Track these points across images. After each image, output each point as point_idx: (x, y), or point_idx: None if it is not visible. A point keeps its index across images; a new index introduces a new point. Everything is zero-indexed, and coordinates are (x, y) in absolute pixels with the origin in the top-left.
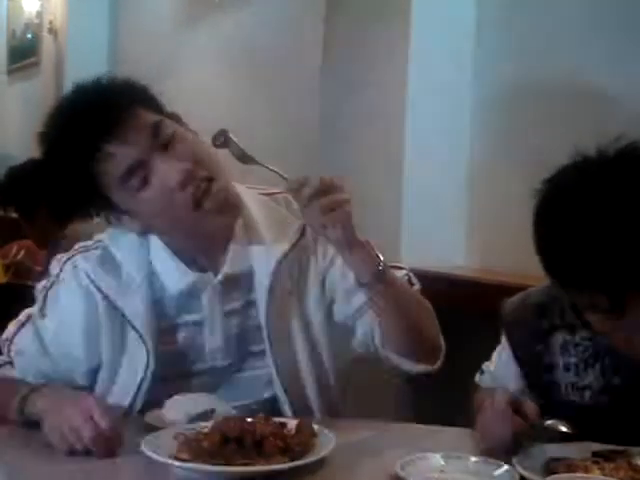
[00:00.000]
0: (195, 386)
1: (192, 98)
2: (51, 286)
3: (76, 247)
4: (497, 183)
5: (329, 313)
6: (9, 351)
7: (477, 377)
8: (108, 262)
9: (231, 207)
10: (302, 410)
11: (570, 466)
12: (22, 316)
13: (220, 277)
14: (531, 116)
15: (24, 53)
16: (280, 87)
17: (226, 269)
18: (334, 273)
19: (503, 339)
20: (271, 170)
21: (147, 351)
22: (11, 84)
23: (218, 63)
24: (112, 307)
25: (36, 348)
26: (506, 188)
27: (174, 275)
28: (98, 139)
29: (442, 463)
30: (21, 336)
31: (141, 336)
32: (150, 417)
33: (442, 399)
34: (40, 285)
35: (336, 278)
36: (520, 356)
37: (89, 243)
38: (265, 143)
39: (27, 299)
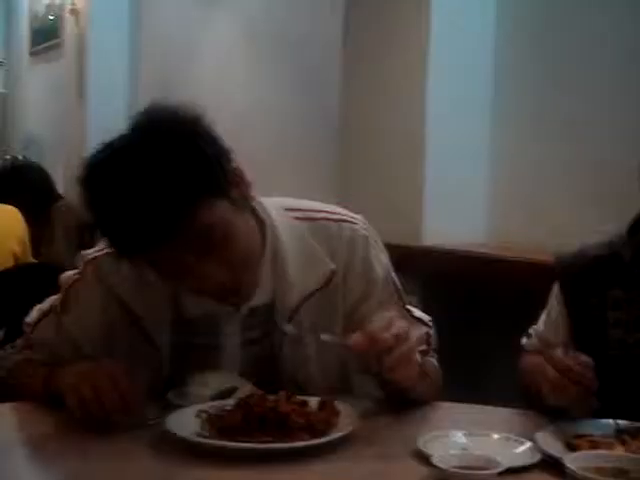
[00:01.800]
0: None
1: (214, 78)
2: (73, 283)
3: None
4: (517, 161)
5: None
6: (29, 336)
7: (523, 340)
8: (134, 275)
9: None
10: None
11: (593, 443)
12: (46, 304)
13: (244, 311)
14: (557, 83)
15: (46, 35)
16: (301, 67)
17: (251, 303)
18: (365, 310)
19: (552, 297)
20: (332, 342)
21: (161, 364)
22: (34, 66)
23: (239, 43)
24: (131, 317)
25: (55, 339)
26: (526, 167)
27: (194, 301)
28: (145, 247)
29: (464, 440)
30: (42, 327)
31: (158, 350)
32: (173, 395)
33: (463, 375)
34: (65, 276)
35: (367, 314)
36: (572, 308)
37: None
38: (286, 122)
39: (52, 276)
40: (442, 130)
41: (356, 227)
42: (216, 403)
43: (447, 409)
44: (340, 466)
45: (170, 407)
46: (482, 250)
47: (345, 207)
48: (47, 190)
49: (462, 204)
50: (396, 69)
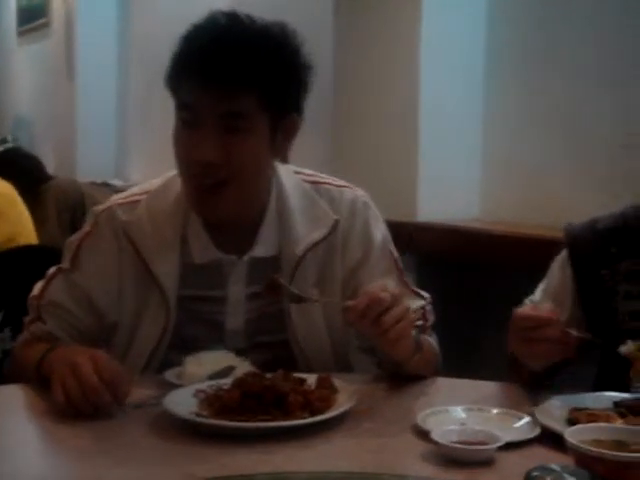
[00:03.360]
0: None
1: None
2: (85, 237)
3: (115, 197)
4: (512, 136)
5: None
6: (38, 307)
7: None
8: (146, 217)
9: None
10: None
11: (592, 416)
12: (49, 272)
13: (246, 259)
14: (548, 61)
15: (34, 14)
16: None
17: (253, 253)
18: (363, 276)
19: (555, 268)
20: (327, 302)
21: (167, 315)
22: (21, 45)
23: None
24: (142, 264)
25: (66, 298)
26: (521, 141)
27: (201, 247)
28: (192, 76)
29: (463, 415)
30: (51, 289)
31: (165, 298)
32: (170, 375)
33: (459, 351)
34: (71, 239)
35: (364, 281)
36: (581, 280)
37: (130, 193)
38: None
39: (50, 259)
40: (435, 109)
41: (357, 193)
42: (214, 382)
43: (445, 385)
44: (339, 443)
45: (168, 387)
46: (476, 225)
47: None
48: (36, 172)
49: (456, 181)
50: (389, 51)
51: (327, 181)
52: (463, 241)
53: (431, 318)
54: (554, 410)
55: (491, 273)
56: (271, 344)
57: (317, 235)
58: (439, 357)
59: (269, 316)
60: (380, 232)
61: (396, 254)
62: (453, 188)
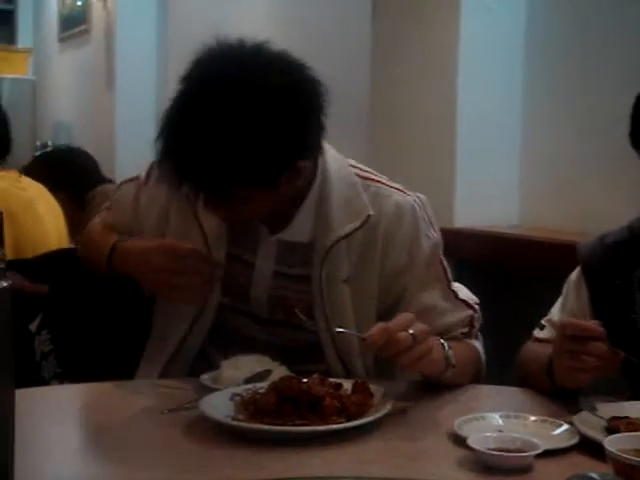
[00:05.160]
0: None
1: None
2: (141, 184)
3: None
4: (551, 141)
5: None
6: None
7: (535, 332)
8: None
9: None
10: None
11: (632, 425)
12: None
13: (274, 239)
14: (588, 66)
15: (75, 21)
16: (330, 51)
17: (283, 235)
18: (406, 282)
19: (569, 287)
20: (348, 332)
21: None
22: (63, 52)
23: (267, 27)
24: (192, 215)
25: (129, 204)
26: (559, 146)
27: None
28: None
29: (500, 422)
30: (124, 189)
31: (205, 236)
32: (206, 378)
33: (498, 359)
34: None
35: (407, 288)
36: (596, 293)
37: None
38: None
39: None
40: (474, 112)
41: (408, 198)
42: (250, 386)
43: (483, 391)
44: (374, 448)
45: (204, 391)
46: (514, 232)
47: None
48: (92, 174)
49: (494, 187)
50: (427, 52)
51: (381, 180)
52: (501, 247)
53: (478, 324)
54: (593, 418)
55: (529, 280)
56: (291, 325)
57: (349, 227)
58: (481, 363)
59: (295, 300)
60: (430, 240)
61: (445, 263)
62: (491, 194)
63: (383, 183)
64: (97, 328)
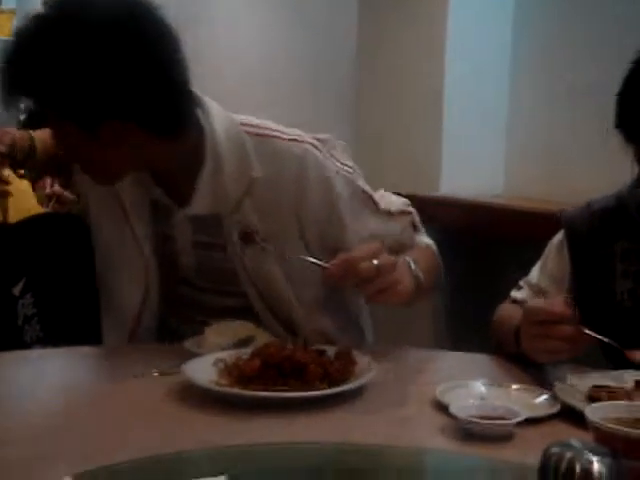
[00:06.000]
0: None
1: (227, 29)
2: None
3: None
4: (537, 112)
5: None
6: None
7: (512, 292)
8: None
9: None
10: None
11: (613, 393)
12: None
13: (186, 214)
14: (573, 41)
15: None
16: (317, 18)
17: (189, 210)
18: (338, 227)
19: (551, 250)
20: (309, 261)
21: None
22: None
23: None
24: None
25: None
26: (545, 116)
27: (148, 188)
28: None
29: (482, 390)
30: None
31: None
32: (190, 343)
33: (478, 327)
34: None
35: (341, 230)
36: (578, 261)
37: None
38: (302, 74)
39: (71, 226)
40: (461, 81)
41: (306, 145)
42: (233, 352)
43: (465, 359)
44: (357, 415)
45: (188, 356)
46: (498, 201)
47: (362, 158)
48: None
49: (480, 156)
50: (415, 26)
51: (276, 134)
52: (485, 216)
53: (418, 220)
54: (574, 387)
55: (513, 249)
56: (230, 293)
57: (240, 191)
58: (438, 258)
59: (221, 269)
60: (342, 175)
61: (365, 187)
62: (477, 164)
63: (278, 137)
64: (79, 293)
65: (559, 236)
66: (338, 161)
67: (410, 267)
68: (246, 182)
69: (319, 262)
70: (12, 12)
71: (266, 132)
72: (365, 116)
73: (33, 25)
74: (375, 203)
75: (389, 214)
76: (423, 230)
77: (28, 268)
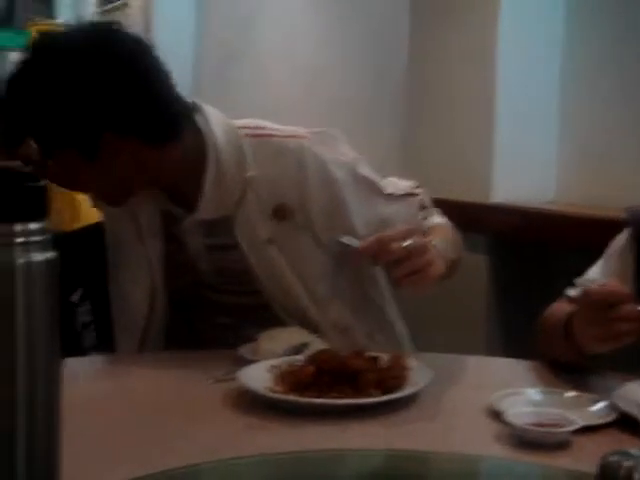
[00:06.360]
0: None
1: (281, 37)
2: None
3: None
4: (589, 118)
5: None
6: None
7: (567, 290)
8: None
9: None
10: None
11: None
12: None
13: (193, 219)
14: (627, 43)
15: None
16: (369, 27)
17: (197, 216)
18: (345, 218)
19: (614, 250)
20: (340, 241)
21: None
22: (99, 17)
23: (307, 4)
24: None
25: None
26: (598, 123)
27: (155, 198)
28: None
29: (537, 397)
30: None
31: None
32: (244, 350)
33: (531, 334)
34: None
35: (348, 221)
36: None
37: None
38: (354, 81)
39: None
40: (513, 87)
41: (302, 141)
42: (287, 359)
43: (520, 366)
44: (410, 422)
45: (242, 363)
46: (551, 207)
47: (413, 163)
48: None
49: (531, 162)
50: (466, 29)
51: (272, 133)
52: (538, 223)
53: (428, 200)
54: (632, 394)
55: (565, 256)
56: (248, 292)
57: (239, 192)
58: (457, 234)
59: (238, 269)
60: (342, 165)
61: (367, 173)
62: (528, 169)
63: (275, 135)
64: None
65: (623, 235)
66: (336, 151)
67: (438, 249)
68: (242, 182)
69: (351, 242)
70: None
71: (263, 132)
72: (416, 123)
73: (18, 71)
74: (379, 188)
75: (395, 197)
76: (435, 209)
77: (86, 276)
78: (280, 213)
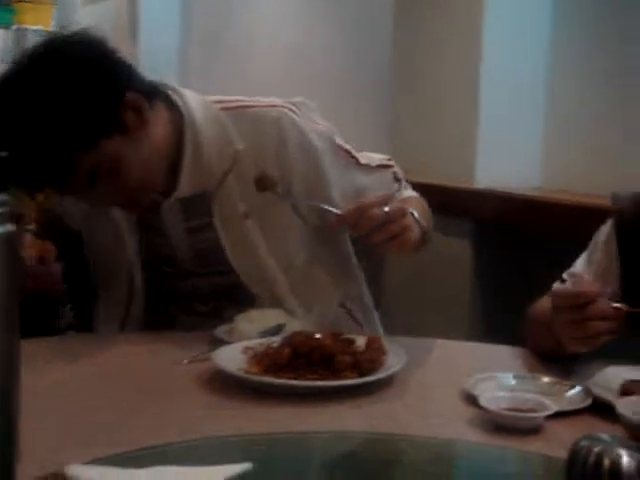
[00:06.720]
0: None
1: (267, 19)
2: None
3: None
4: (574, 103)
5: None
6: None
7: (555, 285)
8: None
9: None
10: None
11: None
12: None
13: (171, 200)
14: (613, 25)
15: None
16: (354, 11)
17: (177, 194)
18: (323, 185)
19: (598, 240)
20: (322, 208)
21: (122, 237)
22: (86, 4)
23: None
24: None
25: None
26: (585, 108)
27: None
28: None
29: (513, 382)
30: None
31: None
32: (220, 331)
33: (512, 320)
34: None
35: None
36: (628, 254)
37: None
38: (339, 61)
39: None
40: (497, 70)
41: (282, 109)
42: (263, 340)
43: (497, 351)
44: (386, 405)
45: (217, 343)
46: (537, 194)
47: (397, 148)
48: None
49: (517, 148)
50: (451, 12)
51: (251, 104)
52: (523, 210)
53: (401, 175)
54: (608, 381)
55: (549, 243)
56: (223, 272)
57: (224, 167)
58: (427, 208)
59: (213, 248)
60: (320, 134)
61: (343, 143)
62: (514, 155)
63: (254, 105)
64: None
65: (608, 225)
66: (314, 121)
67: (413, 215)
68: (230, 157)
69: (333, 209)
70: (52, 3)
71: (238, 104)
72: (400, 107)
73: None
74: (355, 157)
75: (370, 167)
76: (407, 183)
77: (63, 255)
78: (261, 184)
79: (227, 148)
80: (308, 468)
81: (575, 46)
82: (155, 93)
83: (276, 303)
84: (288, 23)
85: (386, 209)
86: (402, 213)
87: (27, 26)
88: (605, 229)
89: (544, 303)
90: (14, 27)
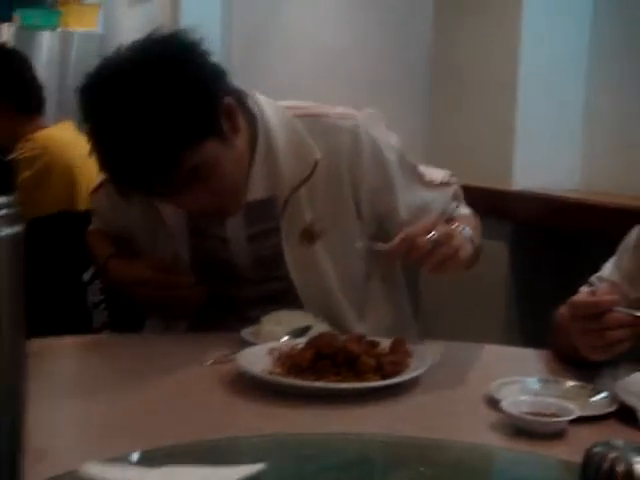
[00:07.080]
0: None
1: (307, 21)
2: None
3: None
4: (614, 103)
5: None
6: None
7: (581, 289)
8: None
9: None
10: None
11: None
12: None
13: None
14: None
15: None
16: (393, 12)
17: (248, 197)
18: (389, 199)
19: (629, 244)
20: (371, 249)
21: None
22: (131, 6)
23: None
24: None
25: (106, 211)
26: (624, 107)
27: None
28: (133, 186)
29: (537, 386)
30: (95, 196)
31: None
32: (245, 332)
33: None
34: None
35: (391, 203)
36: None
37: None
38: (376, 65)
39: None
40: (536, 70)
41: (357, 120)
42: (288, 341)
43: (523, 355)
44: (408, 408)
45: (244, 345)
46: (576, 195)
47: (435, 149)
48: None
49: (555, 149)
50: (490, 13)
51: (325, 112)
52: (561, 211)
53: (460, 193)
54: (635, 386)
55: (588, 245)
56: (278, 278)
57: (302, 174)
58: (479, 221)
59: (270, 257)
60: (392, 147)
61: (409, 158)
62: (552, 157)
63: (327, 114)
64: None
65: (636, 230)
66: (384, 133)
67: (464, 233)
68: (309, 165)
69: (381, 246)
70: (98, 5)
71: (314, 111)
72: (439, 108)
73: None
74: (420, 174)
75: (434, 185)
76: (464, 202)
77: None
78: (334, 196)
79: (307, 156)
80: (329, 470)
81: (615, 46)
82: (242, 99)
83: (331, 316)
84: (328, 24)
85: (434, 233)
86: (450, 236)
87: (72, 28)
88: (634, 233)
89: (565, 308)
90: (59, 30)
